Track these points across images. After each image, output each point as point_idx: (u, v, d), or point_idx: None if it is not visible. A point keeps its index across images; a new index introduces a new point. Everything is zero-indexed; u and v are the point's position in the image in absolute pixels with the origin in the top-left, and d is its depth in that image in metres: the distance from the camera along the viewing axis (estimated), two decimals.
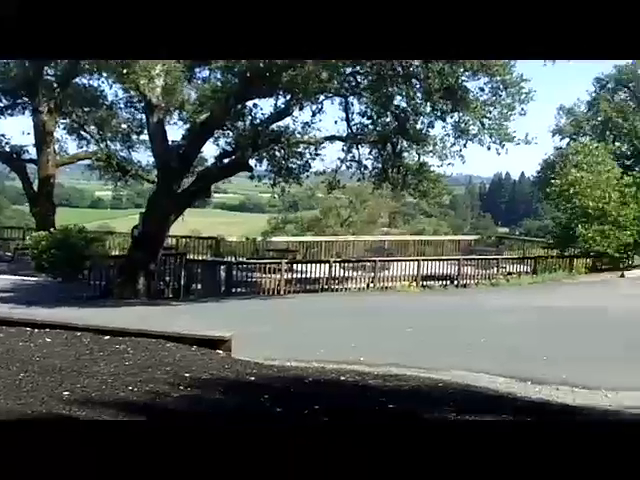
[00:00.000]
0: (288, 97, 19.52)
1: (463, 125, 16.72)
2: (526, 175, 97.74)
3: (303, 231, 40.50)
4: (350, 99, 19.06)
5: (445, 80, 15.48)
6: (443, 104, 16.48)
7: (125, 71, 15.50)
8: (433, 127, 18.34)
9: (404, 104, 18.39)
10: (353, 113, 19.14)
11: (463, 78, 17.04)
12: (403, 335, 10.14)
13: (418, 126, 18.64)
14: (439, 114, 16.90)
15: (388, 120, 18.63)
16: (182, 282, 19.91)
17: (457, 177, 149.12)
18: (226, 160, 20.54)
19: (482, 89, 16.83)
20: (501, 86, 17.54)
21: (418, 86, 17.00)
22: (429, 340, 9.77)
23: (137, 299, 17.69)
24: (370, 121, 19.42)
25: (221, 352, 7.48)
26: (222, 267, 20.92)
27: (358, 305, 15.70)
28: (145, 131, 22.43)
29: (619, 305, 13.72)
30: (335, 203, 40.46)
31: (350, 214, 40.79)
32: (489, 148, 17.02)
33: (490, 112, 16.77)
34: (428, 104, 16.71)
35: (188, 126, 20.07)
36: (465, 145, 16.92)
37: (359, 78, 17.17)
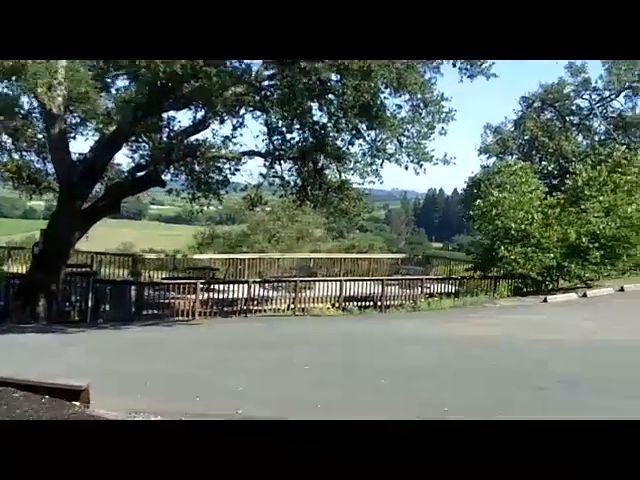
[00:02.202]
0: (204, 110, 18.78)
1: (379, 143, 16.09)
2: (459, 191, 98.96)
3: (232, 247, 39.46)
4: (272, 114, 18.28)
5: (361, 96, 14.86)
6: (359, 121, 15.87)
7: (18, 78, 14.44)
8: (353, 144, 17.74)
9: (324, 120, 17.79)
10: (274, 128, 18.37)
11: (384, 95, 16.52)
12: (298, 374, 9.26)
13: (338, 143, 18.03)
14: (354, 132, 16.23)
15: (306, 136, 17.96)
16: (90, 304, 18.73)
17: (392, 192, 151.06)
18: (140, 174, 19.66)
19: (400, 106, 16.30)
20: (421, 104, 17.02)
21: (336, 102, 16.37)
22: (323, 382, 8.87)
23: (36, 323, 16.59)
24: (290, 136, 18.77)
25: (77, 404, 6.51)
26: (133, 287, 19.76)
27: (266, 333, 14.76)
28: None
29: (529, 337, 13.25)
30: (264, 218, 39.54)
31: (278, 230, 39.83)
32: (407, 168, 16.47)
33: (408, 130, 16.24)
34: (344, 120, 16.04)
35: (96, 138, 19.13)
36: (382, 165, 16.28)
37: (274, 91, 16.37)
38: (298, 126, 17.72)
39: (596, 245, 19.35)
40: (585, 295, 18.95)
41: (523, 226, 19.42)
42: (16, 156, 25.77)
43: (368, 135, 16.31)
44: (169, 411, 6.67)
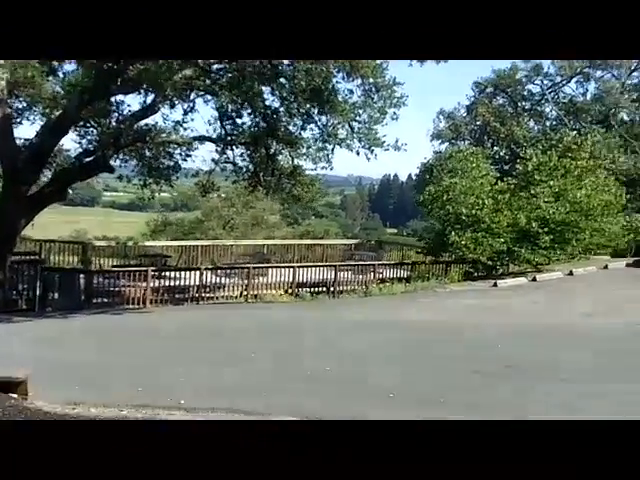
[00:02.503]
0: (154, 94, 18.45)
1: (331, 129, 15.98)
2: (413, 177, 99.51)
3: (185, 234, 39.03)
4: (222, 98, 18.00)
5: (312, 80, 14.72)
6: (310, 106, 15.74)
7: None
8: (305, 129, 17.61)
9: (275, 104, 17.62)
10: (225, 112, 18.12)
11: (336, 80, 16.40)
12: (244, 363, 9.14)
13: (291, 128, 17.87)
14: (306, 117, 16.10)
15: (257, 121, 17.77)
16: (38, 292, 18.33)
17: (348, 178, 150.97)
18: (88, 159, 19.26)
19: (351, 91, 16.20)
20: (373, 89, 16.95)
21: (287, 86, 16.21)
22: (270, 370, 8.77)
23: None
24: (241, 121, 18.56)
25: (14, 396, 6.31)
26: (82, 275, 19.38)
27: (215, 321, 14.55)
28: None
29: (477, 321, 13.29)
30: (218, 204, 39.17)
31: (232, 216, 39.49)
32: (358, 153, 16.41)
33: (360, 115, 16.16)
34: (295, 105, 15.89)
35: (42, 123, 18.67)
36: (333, 150, 16.19)
37: (224, 75, 16.12)
38: (249, 111, 17.54)
39: (546, 230, 19.53)
40: (535, 279, 19.15)
41: (474, 211, 19.50)
42: None
43: (319, 120, 16.20)
44: (110, 402, 6.50)
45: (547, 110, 33.22)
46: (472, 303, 15.76)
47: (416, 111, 29.05)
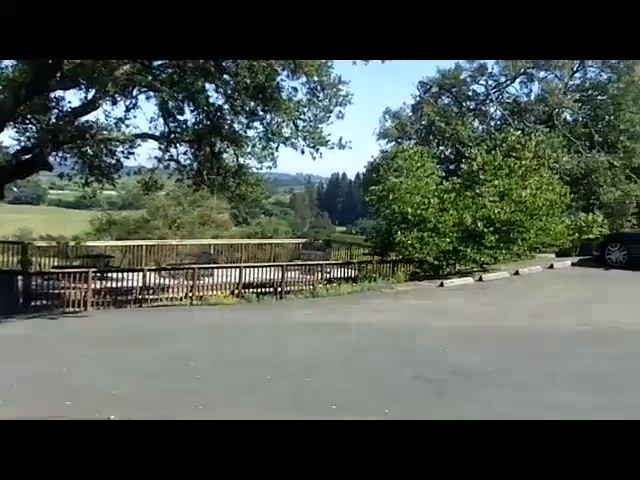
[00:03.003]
0: (94, 90, 18.00)
1: (275, 127, 15.76)
2: (361, 176, 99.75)
3: (129, 232, 38.35)
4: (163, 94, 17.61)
5: (255, 77, 14.48)
6: (254, 104, 15.50)
7: None
8: (250, 127, 17.35)
9: (219, 101, 17.33)
10: (167, 110, 17.75)
11: (281, 78, 16.19)
12: (175, 371, 8.77)
13: (236, 126, 17.61)
14: (249, 115, 15.84)
15: (201, 118, 17.45)
16: None
17: (297, 177, 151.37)
18: (26, 157, 18.72)
19: (295, 89, 16.02)
20: (318, 87, 16.80)
21: (231, 83, 15.93)
22: (200, 378, 8.40)
23: None
24: (184, 118, 18.23)
25: None
26: (19, 277, 18.77)
27: (152, 325, 14.06)
28: None
29: (422, 323, 13.13)
30: (164, 203, 38.55)
31: (179, 215, 38.92)
32: (303, 152, 16.24)
33: (304, 114, 15.98)
34: (238, 103, 15.62)
35: None
36: (277, 148, 15.98)
37: (164, 71, 15.75)
38: (192, 108, 17.24)
39: (491, 229, 19.56)
40: (481, 279, 19.16)
41: (419, 211, 19.43)
42: None
43: (264, 118, 15.98)
44: (27, 416, 6.15)
45: (492, 110, 33.43)
46: (418, 304, 15.66)
47: (368, 110, 29.00)
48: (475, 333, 11.93)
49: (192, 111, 17.14)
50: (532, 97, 32.43)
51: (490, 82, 32.51)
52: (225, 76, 15.80)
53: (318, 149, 16.18)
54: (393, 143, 31.87)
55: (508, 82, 32.34)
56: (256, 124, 16.64)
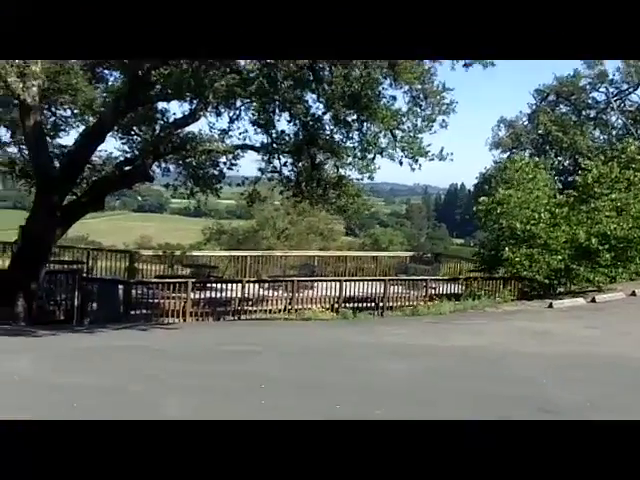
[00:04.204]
0: (195, 102, 17.96)
1: (371, 137, 15.08)
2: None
3: (239, 242, 38.67)
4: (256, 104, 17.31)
5: (350, 86, 13.89)
6: (350, 113, 14.90)
7: None
8: (348, 138, 16.77)
9: (315, 111, 16.88)
10: (265, 120, 17.43)
11: (383, 87, 15.55)
12: (246, 395, 8.19)
13: (336, 137, 17.11)
14: (343, 124, 15.26)
15: (298, 129, 17.03)
16: (76, 303, 17.96)
17: (414, 187, 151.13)
18: (127, 168, 18.89)
19: (395, 97, 15.29)
20: (421, 95, 16.04)
21: (328, 91, 15.42)
22: (268, 405, 7.76)
23: (15, 323, 15.90)
24: (281, 129, 17.89)
25: None
26: (120, 286, 18.94)
27: (238, 341, 13.52)
28: None
29: (521, 349, 12.04)
30: (272, 214, 38.62)
31: (287, 226, 38.88)
32: (401, 163, 15.48)
33: (403, 123, 15.24)
34: (332, 112, 15.08)
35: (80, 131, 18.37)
36: (373, 159, 15.28)
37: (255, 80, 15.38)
38: (289, 118, 16.87)
39: (606, 247, 18.20)
40: (594, 300, 17.80)
41: (529, 226, 18.31)
42: (14, 149, 25.17)
43: (360, 129, 15.35)
44: None
45: (613, 119, 31.62)
46: (522, 326, 14.57)
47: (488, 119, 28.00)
48: (579, 361, 10.80)
49: (289, 122, 16.74)
50: None
51: (611, 89, 30.73)
52: (324, 85, 15.30)
53: (417, 160, 15.41)
54: (507, 153, 30.59)
55: (631, 89, 30.48)
56: (353, 134, 16.04)
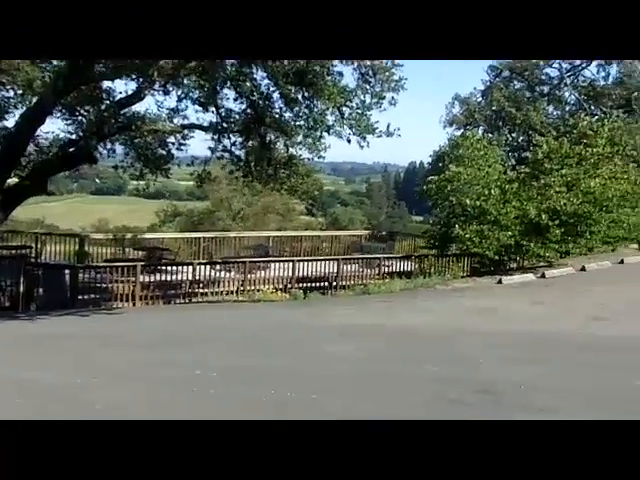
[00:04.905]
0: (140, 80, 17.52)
1: (318, 115, 14.82)
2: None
3: (194, 224, 38.19)
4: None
5: (295, 63, 13.60)
6: (295, 90, 14.62)
7: None
8: (300, 116, 16.48)
9: (266, 90, 16.55)
10: (215, 98, 17.04)
11: (332, 63, 15.25)
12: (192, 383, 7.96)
13: (286, 115, 16.81)
14: (290, 101, 14.97)
15: (245, 107, 16.71)
16: (21, 289, 17.51)
17: (374, 166, 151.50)
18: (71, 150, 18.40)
19: (341, 74, 15.03)
20: (370, 72, 15.81)
21: (272, 69, 15.10)
22: (210, 394, 7.53)
23: None
24: (232, 108, 17.55)
25: None
26: (67, 271, 18.48)
27: (184, 326, 13.21)
28: None
29: (465, 327, 11.91)
30: (227, 195, 38.15)
31: (243, 206, 38.45)
32: (349, 141, 15.26)
33: (351, 100, 15.00)
34: (278, 89, 14.80)
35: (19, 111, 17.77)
36: (320, 137, 15.03)
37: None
38: (235, 96, 16.53)
39: (557, 222, 18.20)
40: (544, 276, 17.80)
41: (479, 202, 18.22)
42: None
43: (307, 106, 15.07)
44: None
45: (566, 95, 31.62)
46: (470, 304, 14.48)
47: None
48: (521, 340, 10.64)
49: (235, 100, 16.41)
50: (610, 80, 30.52)
51: (565, 65, 30.74)
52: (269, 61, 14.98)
53: (365, 137, 15.20)
54: (461, 130, 30.49)
55: (584, 65, 30.50)
56: (302, 112, 15.75)
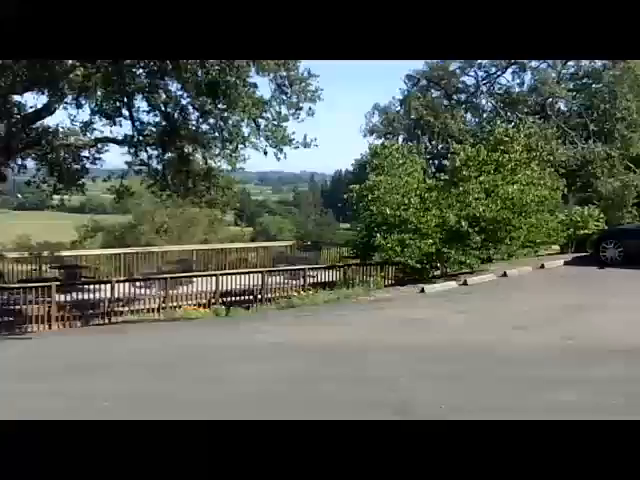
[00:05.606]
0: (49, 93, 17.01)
1: (232, 126, 14.58)
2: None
3: (116, 239, 37.28)
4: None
5: (208, 73, 13.33)
6: (209, 102, 14.34)
7: None
8: (218, 128, 16.22)
9: (182, 101, 16.24)
10: (120, 110, 16.63)
11: (248, 74, 15.05)
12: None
13: (203, 127, 16.52)
14: (205, 113, 14.71)
15: (158, 120, 16.36)
16: None
17: (300, 175, 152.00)
18: None
19: (256, 85, 14.83)
20: (286, 83, 15.68)
21: (189, 80, 14.80)
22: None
23: None
24: (147, 121, 17.19)
25: None
26: None
27: (90, 352, 12.53)
28: None
29: (382, 341, 11.60)
30: (149, 208, 37.38)
31: (165, 219, 37.73)
32: (266, 153, 15.08)
33: (266, 111, 14.82)
34: (190, 101, 14.53)
35: None
36: (236, 149, 14.80)
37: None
38: (147, 108, 16.19)
39: (476, 229, 18.33)
40: (465, 283, 17.86)
41: (399, 212, 18.20)
42: None
43: (221, 117, 14.81)
44: None
45: (483, 102, 32.18)
46: (391, 315, 14.33)
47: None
48: (439, 353, 10.37)
49: (148, 112, 16.05)
50: (525, 87, 31.20)
51: (480, 73, 31.31)
52: (181, 72, 14.67)
53: (282, 149, 15.04)
54: (382, 139, 30.65)
55: (499, 73, 31.12)
56: (218, 124, 15.50)
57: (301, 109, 16.02)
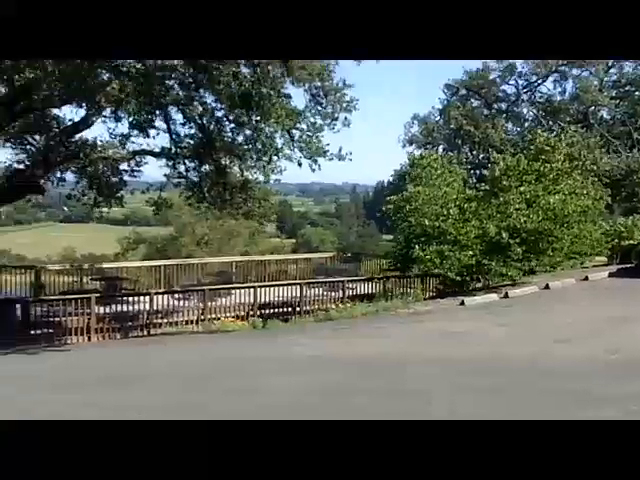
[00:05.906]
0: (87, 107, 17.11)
1: (265, 138, 14.45)
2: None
3: (158, 251, 37.44)
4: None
5: (241, 85, 13.24)
6: (239, 113, 14.24)
7: None
8: (252, 139, 16.11)
9: (217, 113, 16.18)
10: (152, 122, 16.60)
11: (284, 85, 14.94)
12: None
13: (239, 139, 16.43)
14: (238, 125, 14.62)
15: (194, 132, 16.31)
16: None
17: (342, 186, 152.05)
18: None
19: (289, 96, 14.66)
20: (321, 93, 15.52)
21: (222, 92, 14.72)
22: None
23: None
24: (183, 133, 17.15)
25: None
26: (18, 305, 17.82)
27: (131, 365, 12.50)
28: None
29: (422, 355, 11.44)
30: (190, 219, 37.45)
31: (206, 231, 37.75)
32: (300, 164, 14.92)
33: (300, 122, 14.67)
34: (224, 113, 14.46)
35: None
36: (270, 161, 14.66)
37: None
38: (182, 120, 16.15)
39: (517, 240, 17.95)
40: (507, 295, 17.49)
41: (438, 223, 17.92)
42: None
43: (254, 129, 14.70)
44: None
45: (524, 111, 31.69)
46: (431, 328, 14.08)
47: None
48: (481, 366, 10.15)
49: (183, 124, 16.00)
50: (566, 96, 30.66)
51: (521, 81, 30.86)
52: (214, 85, 14.61)
53: (316, 160, 14.87)
54: (421, 150, 30.35)
55: (540, 81, 30.60)
56: (253, 136, 15.38)
57: (337, 119, 15.83)
